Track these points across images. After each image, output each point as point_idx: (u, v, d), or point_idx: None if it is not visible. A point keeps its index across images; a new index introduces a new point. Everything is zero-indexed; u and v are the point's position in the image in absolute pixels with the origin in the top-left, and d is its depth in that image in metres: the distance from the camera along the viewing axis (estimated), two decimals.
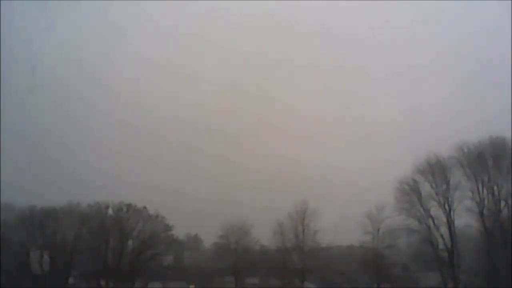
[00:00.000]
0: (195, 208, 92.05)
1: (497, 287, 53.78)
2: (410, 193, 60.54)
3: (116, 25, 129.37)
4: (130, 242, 68.84)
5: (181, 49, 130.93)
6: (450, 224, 58.49)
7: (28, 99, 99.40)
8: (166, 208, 72.02)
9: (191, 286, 71.93)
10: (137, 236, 68.69)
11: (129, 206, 68.54)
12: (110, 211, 69.09)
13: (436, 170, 59.34)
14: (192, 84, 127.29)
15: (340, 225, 67.11)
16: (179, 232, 79.55)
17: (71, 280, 68.73)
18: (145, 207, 69.06)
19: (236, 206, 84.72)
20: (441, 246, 59.07)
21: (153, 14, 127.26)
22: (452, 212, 58.41)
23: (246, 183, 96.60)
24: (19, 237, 66.93)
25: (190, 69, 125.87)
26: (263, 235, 71.61)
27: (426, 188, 59.96)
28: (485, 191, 57.44)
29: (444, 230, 58.98)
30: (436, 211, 59.28)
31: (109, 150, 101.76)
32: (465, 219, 58.99)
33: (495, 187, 57.20)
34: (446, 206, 58.49)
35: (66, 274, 67.39)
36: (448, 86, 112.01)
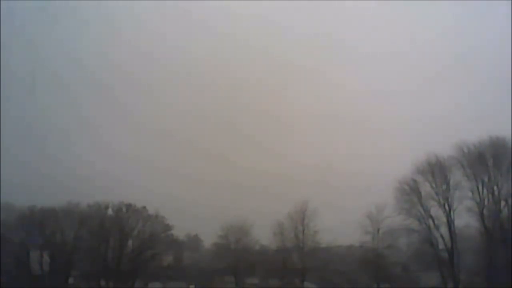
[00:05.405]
0: (195, 208, 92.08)
1: (497, 287, 53.74)
2: (410, 193, 60.45)
3: (116, 24, 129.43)
4: (130, 242, 68.84)
5: (182, 48, 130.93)
6: (450, 224, 58.40)
7: (28, 99, 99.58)
8: (166, 208, 72.08)
9: (191, 286, 71.87)
10: (137, 236, 68.71)
11: (128, 206, 68.55)
12: (109, 211, 69.23)
13: (436, 170, 59.24)
14: (192, 84, 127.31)
15: (340, 225, 67.25)
16: (179, 232, 79.61)
17: (71, 280, 68.74)
18: (144, 207, 69.09)
19: (236, 206, 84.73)
20: (441, 246, 58.97)
21: (153, 14, 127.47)
22: (452, 212, 58.33)
23: (246, 183, 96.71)
24: (19, 237, 66.97)
25: (192, 70, 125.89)
26: (263, 235, 71.73)
27: (426, 188, 59.92)
28: (485, 191, 57.31)
29: (444, 230, 58.91)
30: (436, 211, 59.25)
31: (109, 150, 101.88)
32: (465, 219, 58.96)
33: (495, 187, 57.08)
34: (446, 206, 58.41)
35: (66, 274, 67.41)
36: (448, 86, 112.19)
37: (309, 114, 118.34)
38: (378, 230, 63.70)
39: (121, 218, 68.45)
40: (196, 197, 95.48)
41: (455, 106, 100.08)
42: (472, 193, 57.63)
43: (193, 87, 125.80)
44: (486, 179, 57.23)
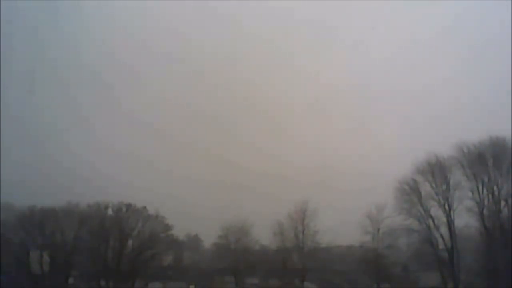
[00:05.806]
0: (195, 208, 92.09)
1: (497, 287, 53.71)
2: (410, 193, 60.43)
3: (116, 24, 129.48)
4: (130, 242, 68.74)
5: (182, 48, 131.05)
6: (450, 224, 58.37)
7: (28, 99, 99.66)
8: (166, 208, 72.01)
9: (191, 286, 71.88)
10: (137, 236, 68.60)
11: (128, 206, 68.49)
12: (109, 211, 69.14)
13: (436, 170, 59.23)
14: (193, 85, 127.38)
15: (340, 225, 67.22)
16: (179, 232, 79.54)
17: (71, 280, 68.70)
18: (144, 207, 69.01)
19: (236, 207, 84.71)
20: (441, 246, 58.95)
21: (154, 13, 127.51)
22: (452, 212, 58.30)
23: (246, 183, 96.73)
24: (19, 237, 66.94)
25: (191, 71, 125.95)
26: (263, 235, 71.69)
27: (426, 188, 59.92)
28: (485, 191, 57.29)
29: (444, 230, 58.90)
30: (436, 211, 59.24)
31: (109, 150, 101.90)
32: (465, 219, 58.91)
33: (495, 187, 57.05)
34: (446, 206, 58.39)
35: (66, 274, 67.35)
36: (448, 86, 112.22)
37: (309, 115, 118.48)
38: (378, 230, 63.71)
39: (121, 218, 68.37)
40: (196, 197, 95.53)
41: (455, 106, 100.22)
42: (472, 193, 57.66)
43: (193, 88, 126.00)
44: (486, 179, 57.20)
